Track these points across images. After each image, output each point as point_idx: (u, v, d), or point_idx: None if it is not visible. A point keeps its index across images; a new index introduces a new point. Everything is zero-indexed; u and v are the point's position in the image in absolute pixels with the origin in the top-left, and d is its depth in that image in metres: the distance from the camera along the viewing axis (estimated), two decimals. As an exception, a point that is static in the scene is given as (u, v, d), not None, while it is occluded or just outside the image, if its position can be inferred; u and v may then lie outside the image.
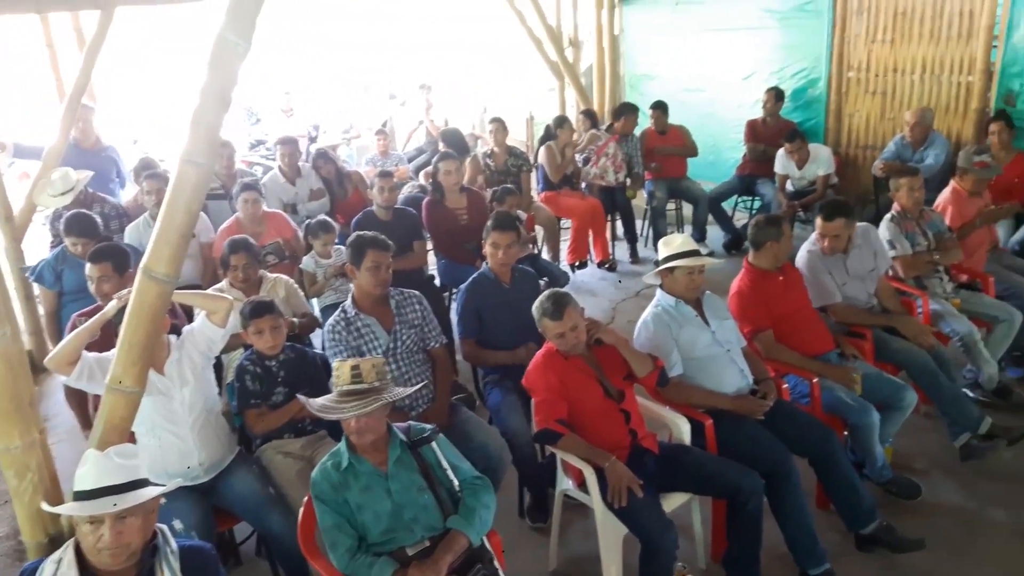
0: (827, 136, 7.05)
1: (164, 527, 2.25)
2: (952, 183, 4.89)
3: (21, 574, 2.13)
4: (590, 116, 7.29)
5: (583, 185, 7.00)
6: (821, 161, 6.53)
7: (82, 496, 2.06)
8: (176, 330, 3.33)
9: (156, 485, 2.21)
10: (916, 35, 6.26)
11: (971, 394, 4.36)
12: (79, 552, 2.11)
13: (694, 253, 3.49)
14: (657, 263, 3.59)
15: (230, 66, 2.26)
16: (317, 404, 2.64)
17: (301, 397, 2.79)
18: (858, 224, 4.26)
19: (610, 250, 7.06)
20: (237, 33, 2.24)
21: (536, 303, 3.22)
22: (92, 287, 3.74)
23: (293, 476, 3.19)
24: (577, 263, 6.74)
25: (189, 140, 2.29)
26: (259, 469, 3.27)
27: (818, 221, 4.17)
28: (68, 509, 2.10)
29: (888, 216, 4.63)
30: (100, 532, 2.03)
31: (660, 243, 3.62)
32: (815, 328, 3.94)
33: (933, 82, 6.29)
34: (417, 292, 3.66)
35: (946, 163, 5.83)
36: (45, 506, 2.25)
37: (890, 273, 4.55)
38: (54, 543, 2.31)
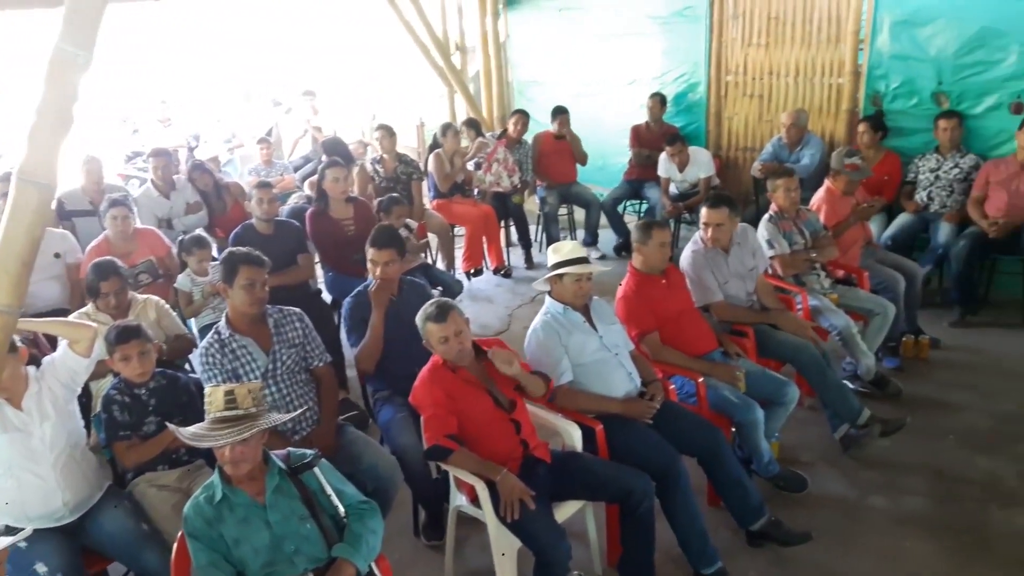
0: (708, 139, 7.24)
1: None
2: (826, 183, 5.09)
3: None
4: (473, 125, 7.26)
5: (476, 192, 6.95)
6: (702, 164, 6.71)
7: None
8: (35, 361, 3.10)
9: (14, 529, 2.02)
10: (789, 39, 6.50)
11: (851, 385, 4.53)
12: None
13: (582, 260, 3.48)
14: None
15: (69, 79, 2.10)
16: (188, 432, 2.49)
17: (171, 426, 2.62)
18: (738, 224, 4.37)
19: (505, 257, 7.05)
20: (76, 43, 2.08)
21: (419, 313, 3.16)
22: None
23: (169, 510, 3.01)
24: (472, 271, 6.69)
25: (26, 159, 2.11)
26: (131, 504, 3.06)
27: (704, 211, 4.26)
28: None
29: (766, 216, 4.77)
30: None
31: (549, 250, 3.61)
32: (699, 328, 4.02)
33: (806, 84, 6.55)
34: (298, 309, 3.50)
35: (821, 163, 6.07)
36: None
37: (769, 271, 4.69)
38: None
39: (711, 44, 6.92)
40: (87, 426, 3.30)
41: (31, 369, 3.00)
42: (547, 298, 3.60)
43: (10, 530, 2.66)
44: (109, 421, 3.12)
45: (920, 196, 5.74)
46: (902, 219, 5.76)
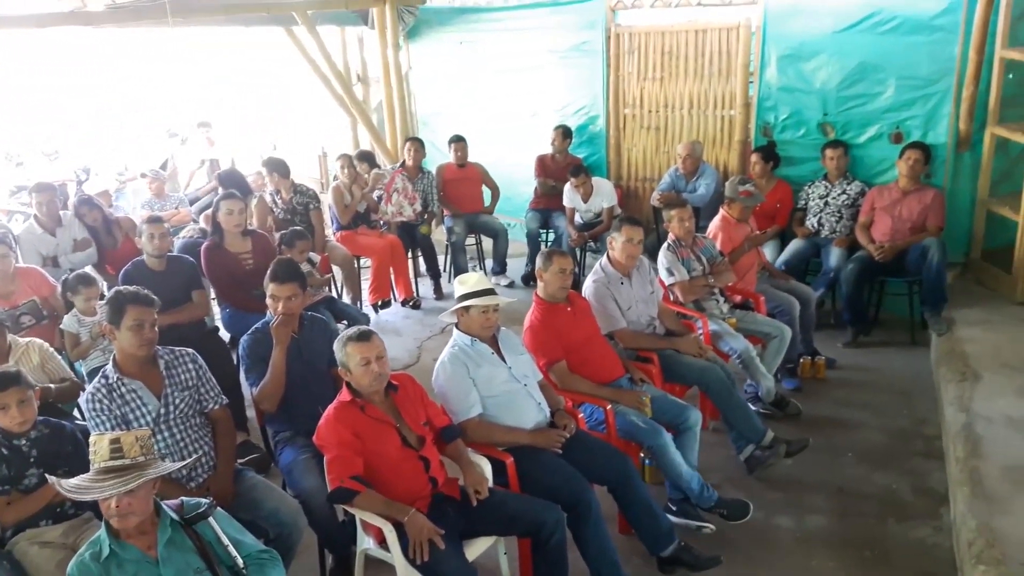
0: (609, 170, 7.38)
1: None
2: (721, 211, 5.26)
3: None
4: (366, 158, 7.21)
5: (381, 222, 6.87)
6: (605, 194, 6.83)
7: None
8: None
9: None
10: (682, 73, 6.70)
11: (753, 407, 4.64)
12: None
13: (488, 292, 3.47)
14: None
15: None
16: (70, 484, 2.33)
17: (52, 479, 2.44)
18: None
19: (413, 288, 6.98)
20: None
21: (338, 339, 3.10)
22: None
23: (53, 568, 2.82)
24: (380, 302, 6.59)
25: None
26: (10, 565, 2.85)
27: (625, 227, 4.32)
28: None
29: (665, 245, 4.90)
30: None
31: (456, 282, 3.59)
32: (606, 355, 4.05)
33: (700, 116, 6.76)
34: (190, 350, 3.34)
35: (717, 191, 6.27)
36: None
37: (671, 297, 4.79)
38: None
39: (609, 78, 7.07)
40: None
41: None
42: (455, 330, 3.56)
43: None
44: (-16, 477, 2.90)
45: (811, 222, 5.98)
46: (795, 244, 5.99)
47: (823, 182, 5.96)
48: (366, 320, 5.44)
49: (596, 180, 6.86)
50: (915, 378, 5.13)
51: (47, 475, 2.78)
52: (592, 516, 3.22)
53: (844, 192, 5.85)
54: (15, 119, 10.44)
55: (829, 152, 5.87)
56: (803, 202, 6.06)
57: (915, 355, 5.42)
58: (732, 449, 4.29)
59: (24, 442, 2.99)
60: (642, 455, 4.08)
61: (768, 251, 5.92)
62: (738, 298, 5.07)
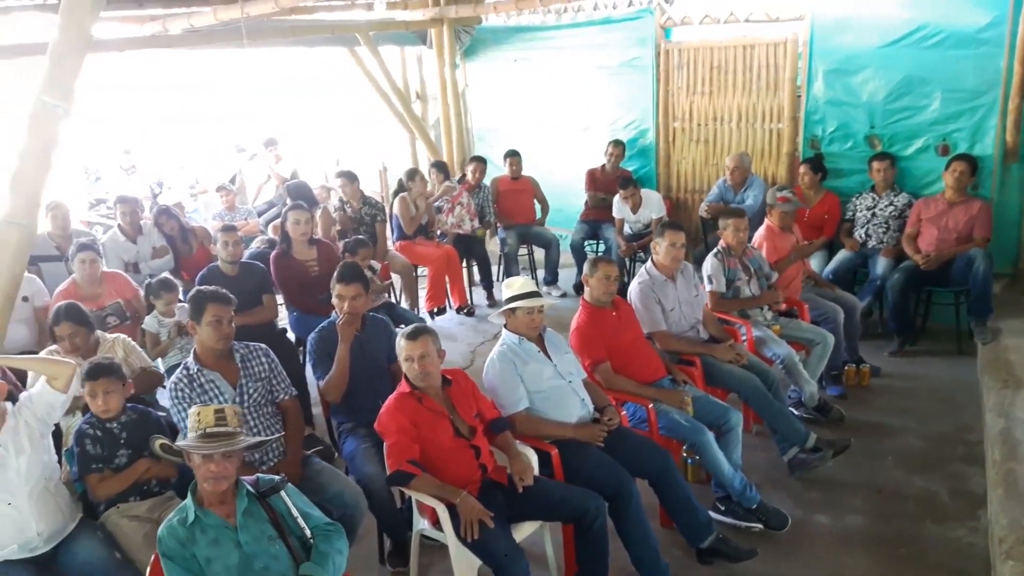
0: (659, 182, 7.57)
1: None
2: (765, 220, 5.40)
3: None
4: (441, 169, 7.52)
5: (439, 233, 7.17)
6: (653, 205, 7.00)
7: None
8: (11, 397, 3.20)
9: None
10: (730, 87, 6.87)
11: (796, 412, 4.76)
12: None
13: (534, 294, 3.70)
14: None
15: (50, 128, 2.29)
16: (181, 445, 2.65)
17: (158, 439, 2.74)
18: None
19: (468, 296, 7.24)
20: (56, 96, 2.27)
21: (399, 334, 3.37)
22: None
23: (140, 540, 3.11)
24: (435, 309, 6.87)
25: (10, 202, 2.28)
26: (104, 535, 3.16)
27: (667, 232, 4.51)
28: None
29: (713, 252, 5.04)
30: None
31: (503, 285, 3.83)
32: (648, 357, 4.23)
33: (748, 129, 6.91)
34: (263, 345, 3.66)
35: (764, 203, 6.39)
36: None
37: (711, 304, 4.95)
38: None
39: (658, 93, 7.28)
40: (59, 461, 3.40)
41: (8, 405, 3.11)
42: (503, 330, 3.80)
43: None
44: (82, 454, 3.23)
45: (858, 233, 6.07)
46: (842, 255, 6.08)
47: (870, 194, 6.04)
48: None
49: (645, 192, 7.05)
50: (960, 387, 5.18)
51: (141, 456, 3.14)
52: (632, 505, 3.40)
53: (891, 204, 5.92)
54: (94, 135, 11.03)
55: (876, 164, 5.96)
56: (850, 213, 6.15)
57: (961, 364, 5.46)
58: (773, 452, 4.41)
59: (115, 425, 3.31)
60: (684, 454, 4.25)
61: (816, 261, 6.03)
62: (782, 306, 5.19)
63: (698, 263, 5.36)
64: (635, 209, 7.02)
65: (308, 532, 2.73)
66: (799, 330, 4.97)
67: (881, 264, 5.81)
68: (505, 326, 3.80)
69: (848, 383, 5.27)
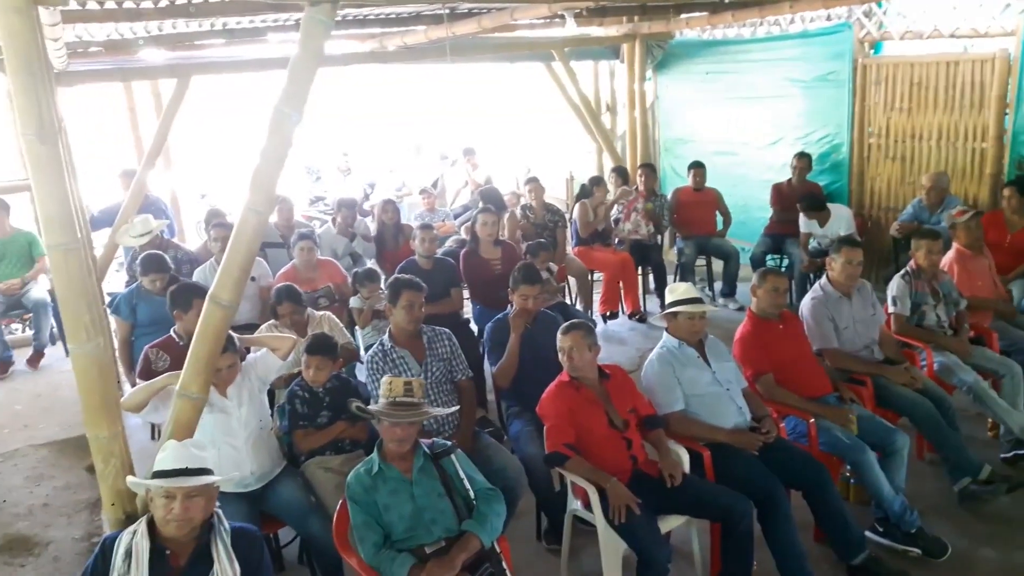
0: (851, 198, 7.38)
1: (219, 511, 2.68)
2: (953, 244, 5.18)
3: (104, 541, 2.58)
4: (621, 173, 7.76)
5: (616, 240, 7.41)
6: (842, 221, 6.82)
7: (161, 475, 2.51)
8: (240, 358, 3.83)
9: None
10: (931, 104, 6.61)
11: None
12: (151, 525, 2.55)
13: (696, 300, 3.86)
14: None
15: (284, 133, 2.79)
16: (374, 409, 3.12)
17: (355, 403, 3.23)
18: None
19: (641, 302, 7.42)
20: (291, 106, 2.76)
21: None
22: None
23: (332, 488, 3.58)
24: (608, 313, 7.11)
25: (251, 193, 2.80)
26: (303, 481, 3.69)
27: (844, 249, 4.48)
28: (152, 483, 2.54)
29: (900, 273, 4.88)
30: (172, 506, 2.48)
31: (667, 291, 4.02)
32: (814, 373, 4.23)
33: (949, 148, 6.61)
34: (447, 329, 4.11)
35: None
36: (131, 479, 2.70)
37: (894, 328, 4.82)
38: (129, 519, 2.77)
39: (854, 107, 7.11)
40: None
41: (240, 363, 3.72)
42: (664, 333, 3.99)
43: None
44: (292, 412, 3.79)
45: (1067, 262, 5.64)
46: (1045, 284, 5.67)
47: (1083, 220, 5.61)
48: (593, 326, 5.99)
49: (834, 207, 6.89)
50: None
51: (339, 419, 3.64)
52: (781, 513, 3.47)
53: (1107, 231, 5.48)
54: (315, 139, 12.25)
55: (1092, 188, 5.54)
56: (1059, 240, 5.74)
57: None
58: (943, 481, 4.27)
59: (321, 390, 3.85)
60: (846, 473, 4.22)
61: (1017, 289, 5.67)
62: (970, 333, 4.96)
63: (888, 284, 5.22)
64: (823, 223, 6.88)
65: (472, 494, 3.09)
66: (984, 359, 4.73)
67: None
68: (667, 330, 3.99)
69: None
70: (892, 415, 4.39)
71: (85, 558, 3.95)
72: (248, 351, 3.92)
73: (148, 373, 4.02)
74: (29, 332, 7.23)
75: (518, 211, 7.19)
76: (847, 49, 7.02)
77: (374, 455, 3.09)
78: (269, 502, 3.60)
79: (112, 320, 5.42)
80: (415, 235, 5.78)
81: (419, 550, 2.95)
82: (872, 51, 7.04)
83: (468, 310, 6.15)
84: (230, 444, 3.56)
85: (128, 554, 2.50)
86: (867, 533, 3.83)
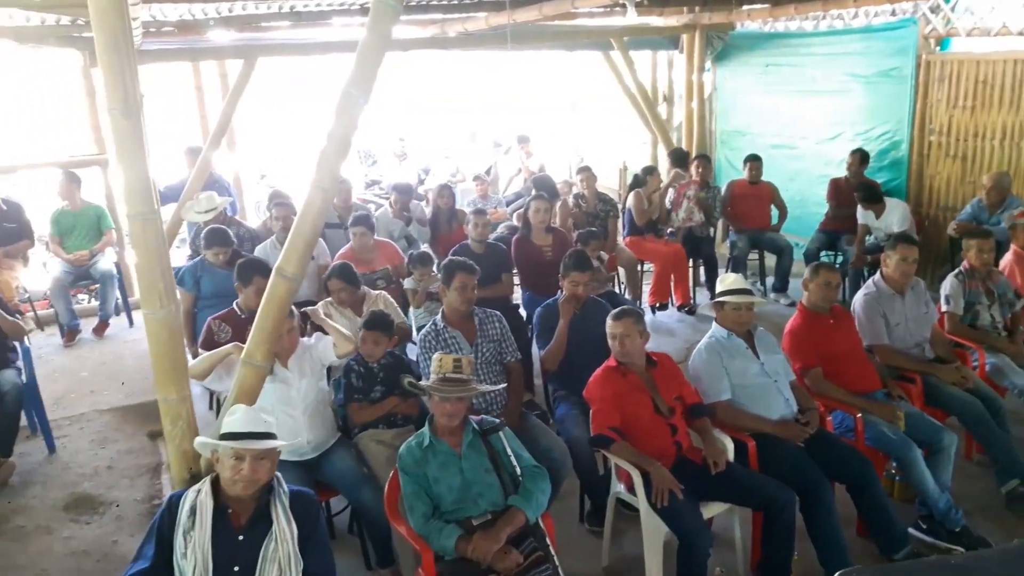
0: (909, 195, 7.27)
1: (279, 474, 2.82)
2: (1012, 245, 5.09)
3: (170, 498, 2.73)
4: (678, 156, 7.78)
5: (669, 231, 7.42)
6: (896, 216, 6.67)
7: (230, 436, 2.65)
8: (303, 333, 3.99)
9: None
10: (996, 102, 6.47)
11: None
12: (215, 485, 2.70)
13: (744, 292, 3.89)
14: None
15: (352, 115, 2.89)
16: (426, 385, 3.24)
17: (407, 379, 3.38)
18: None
19: (691, 295, 7.41)
20: (359, 88, 2.86)
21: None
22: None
23: (383, 460, 3.72)
24: (658, 304, 7.14)
25: (317, 172, 2.92)
26: (356, 452, 3.83)
27: (900, 246, 4.47)
28: (222, 444, 2.68)
29: (954, 272, 4.86)
30: (241, 467, 2.62)
31: (717, 281, 4.05)
32: (863, 368, 4.23)
33: (1013, 148, 6.47)
34: (498, 312, 4.22)
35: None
36: (199, 440, 2.84)
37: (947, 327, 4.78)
38: (194, 479, 2.93)
39: (915, 104, 6.99)
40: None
41: (305, 339, 3.89)
42: (713, 323, 4.03)
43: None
44: (347, 386, 3.94)
45: None
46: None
47: None
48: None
49: (890, 201, 6.74)
50: None
51: (392, 393, 3.77)
52: (824, 505, 3.50)
53: None
54: (372, 124, 12.43)
55: None
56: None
57: None
58: (992, 483, 4.23)
59: (375, 366, 3.99)
60: (892, 470, 4.22)
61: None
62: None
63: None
64: (879, 214, 6.76)
65: (519, 471, 3.19)
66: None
67: None
68: (715, 320, 4.03)
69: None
70: (941, 414, 4.37)
71: (146, 519, 4.18)
72: (307, 325, 4.06)
73: (210, 344, 4.20)
74: (95, 302, 7.52)
75: (570, 199, 7.25)
76: (911, 45, 6.90)
77: (425, 429, 3.21)
78: (323, 471, 3.75)
79: (176, 292, 5.68)
80: (468, 220, 5.89)
81: (466, 522, 3.05)
82: (938, 47, 6.90)
83: (517, 296, 6.24)
84: (288, 413, 3.71)
85: (193, 511, 2.65)
86: (910, 530, 3.83)
